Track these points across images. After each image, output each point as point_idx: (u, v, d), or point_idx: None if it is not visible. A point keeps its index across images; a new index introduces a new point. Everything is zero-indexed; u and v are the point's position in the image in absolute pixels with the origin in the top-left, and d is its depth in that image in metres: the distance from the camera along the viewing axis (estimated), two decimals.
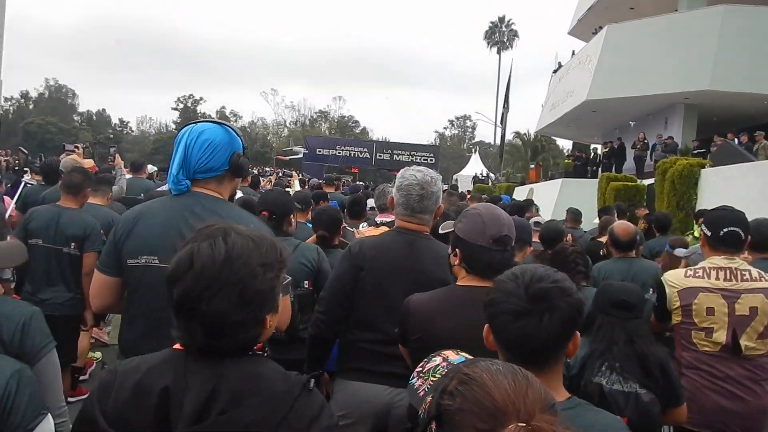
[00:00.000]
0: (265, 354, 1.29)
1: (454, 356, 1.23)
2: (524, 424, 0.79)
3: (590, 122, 24.34)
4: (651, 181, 14.82)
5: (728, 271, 2.70)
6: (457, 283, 2.07)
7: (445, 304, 2.01)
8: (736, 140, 14.41)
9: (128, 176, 7.05)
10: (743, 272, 2.70)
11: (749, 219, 2.92)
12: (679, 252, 4.19)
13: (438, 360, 1.28)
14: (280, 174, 24.65)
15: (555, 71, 28.02)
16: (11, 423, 1.36)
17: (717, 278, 2.70)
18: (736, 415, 2.61)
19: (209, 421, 1.11)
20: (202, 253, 1.18)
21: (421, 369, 1.29)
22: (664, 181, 11.00)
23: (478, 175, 37.15)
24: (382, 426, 2.36)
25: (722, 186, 8.62)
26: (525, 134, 49.33)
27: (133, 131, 79.11)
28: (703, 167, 9.22)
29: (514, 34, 62.31)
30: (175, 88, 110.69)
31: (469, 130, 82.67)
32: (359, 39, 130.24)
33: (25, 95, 71.04)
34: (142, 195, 6.26)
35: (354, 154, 40.18)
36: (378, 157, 40.05)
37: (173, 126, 73.29)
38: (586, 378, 2.25)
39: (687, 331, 2.72)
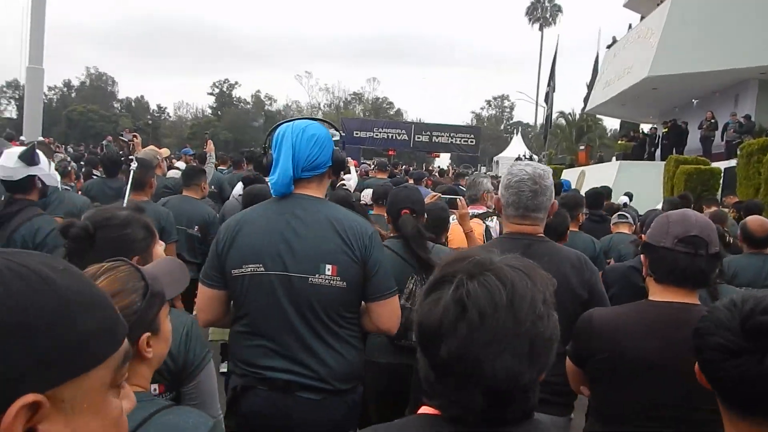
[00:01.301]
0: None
1: None
2: None
3: (648, 101, 22.97)
4: (726, 163, 13.63)
5: None
6: (649, 298, 1.87)
7: (638, 320, 1.82)
8: None
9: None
10: None
11: None
12: None
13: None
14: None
15: (609, 46, 26.56)
16: (189, 360, 1.57)
17: None
18: None
19: None
20: (476, 297, 0.93)
21: None
22: (749, 164, 9.84)
23: (521, 156, 35.98)
24: None
25: None
26: (570, 114, 47.59)
27: (170, 117, 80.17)
28: None
29: (558, 9, 60.10)
30: (211, 74, 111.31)
31: (507, 110, 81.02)
32: (393, 19, 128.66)
33: (67, 84, 71.98)
34: (212, 187, 6.42)
35: (392, 136, 39.26)
36: (417, 139, 39.02)
37: (209, 111, 74.18)
38: None
39: None
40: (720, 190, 12.86)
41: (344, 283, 2.00)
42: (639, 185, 13.41)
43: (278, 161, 2.05)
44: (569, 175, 21.52)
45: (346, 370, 2.01)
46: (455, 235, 3.74)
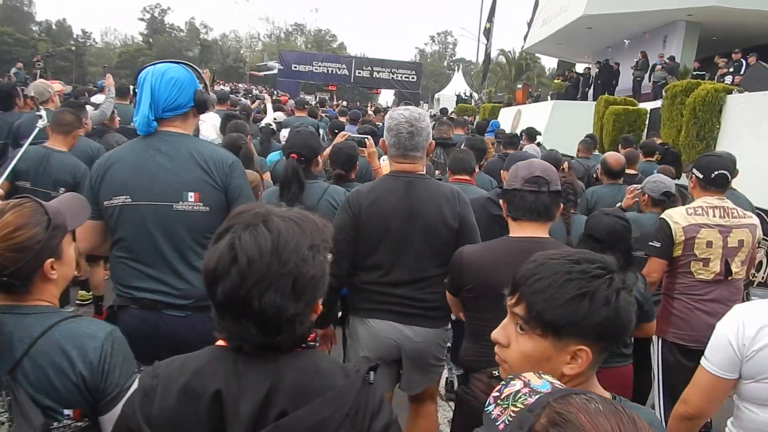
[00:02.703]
0: (316, 344, 1.21)
1: (537, 381, 1.04)
2: None
3: (583, 40, 23.14)
4: (651, 104, 14.02)
5: (722, 210, 3.12)
6: (509, 235, 2.15)
7: (500, 254, 2.09)
8: (743, 61, 13.46)
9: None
10: (731, 210, 3.13)
11: None
12: (638, 187, 4.22)
13: (518, 385, 1.11)
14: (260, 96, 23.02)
15: None
16: (110, 382, 1.43)
17: (714, 215, 3.10)
18: None
19: (269, 427, 1.03)
20: (245, 245, 1.06)
21: (498, 395, 1.11)
22: (672, 106, 10.15)
23: (461, 94, 35.92)
24: (396, 358, 2.62)
25: (755, 116, 7.68)
26: (510, 52, 47.57)
27: (96, 43, 75.86)
28: (730, 93, 8.26)
29: None
30: None
31: (450, 46, 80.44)
32: None
33: None
34: (131, 123, 5.75)
35: (332, 71, 38.38)
36: (357, 74, 38.32)
37: (140, 38, 70.25)
38: None
39: (687, 262, 3.12)
40: (645, 130, 13.22)
41: (207, 208, 2.21)
42: (572, 125, 13.66)
43: (140, 103, 2.23)
44: (507, 113, 21.67)
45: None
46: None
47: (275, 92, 30.06)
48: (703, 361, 1.77)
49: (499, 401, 1.16)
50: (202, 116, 2.79)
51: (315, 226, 1.15)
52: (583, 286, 1.09)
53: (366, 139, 3.98)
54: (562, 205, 2.25)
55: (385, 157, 4.58)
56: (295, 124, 5.53)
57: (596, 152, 7.45)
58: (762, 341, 1.62)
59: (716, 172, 3.12)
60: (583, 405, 0.76)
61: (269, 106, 9.25)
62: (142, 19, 72.39)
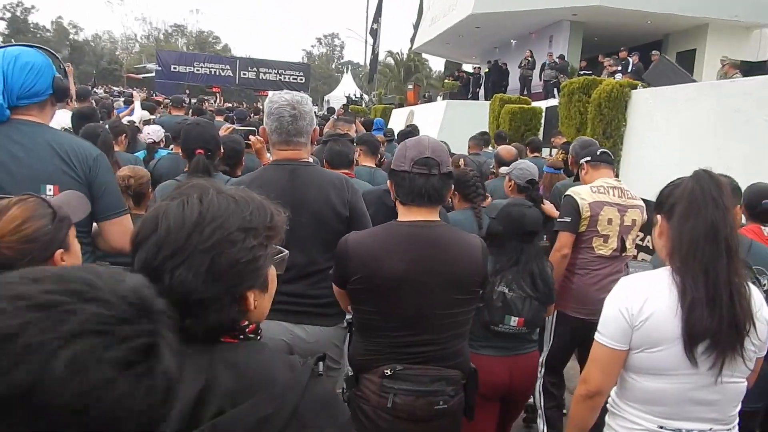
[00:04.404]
0: (259, 338, 1.10)
1: None
2: None
3: (471, 40, 23.34)
4: (545, 103, 13.99)
5: (619, 190, 3.35)
6: (397, 219, 2.03)
7: (387, 241, 1.97)
8: (630, 59, 13.74)
9: None
10: (625, 191, 3.38)
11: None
12: (503, 169, 4.43)
13: None
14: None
15: None
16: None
17: (613, 195, 3.32)
18: None
19: (204, 426, 0.91)
20: (169, 213, 0.99)
21: None
22: (570, 104, 9.88)
23: (351, 96, 35.37)
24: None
25: (661, 111, 7.39)
26: (398, 53, 47.71)
27: None
28: (635, 88, 7.92)
29: None
30: None
31: (338, 49, 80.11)
32: None
33: None
34: None
35: (215, 72, 36.53)
36: (242, 75, 36.74)
37: (0, 39, 63.98)
38: (489, 288, 2.56)
39: (589, 237, 3.29)
40: (542, 129, 13.14)
41: None
42: (465, 124, 13.34)
43: None
44: (399, 114, 21.31)
45: None
46: None
47: (153, 94, 27.93)
48: (597, 336, 1.77)
49: None
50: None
51: (260, 209, 1.06)
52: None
53: (251, 133, 3.71)
54: (452, 188, 2.18)
55: None
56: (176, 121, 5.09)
57: (488, 149, 7.39)
58: (647, 312, 1.65)
59: (600, 150, 3.57)
60: None
61: (137, 104, 8.07)
62: (1, 18, 66.64)
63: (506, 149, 5.31)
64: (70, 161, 2.06)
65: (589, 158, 3.49)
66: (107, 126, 4.46)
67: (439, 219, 2.03)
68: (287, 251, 1.15)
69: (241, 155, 3.54)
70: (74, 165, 2.06)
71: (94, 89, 28.51)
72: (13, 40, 65.75)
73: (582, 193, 3.29)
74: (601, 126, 7.95)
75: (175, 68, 35.82)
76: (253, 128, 3.91)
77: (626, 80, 8.47)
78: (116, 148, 4.24)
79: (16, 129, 2.03)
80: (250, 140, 3.59)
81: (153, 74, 37.92)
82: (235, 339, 1.04)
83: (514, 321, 2.58)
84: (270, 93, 2.41)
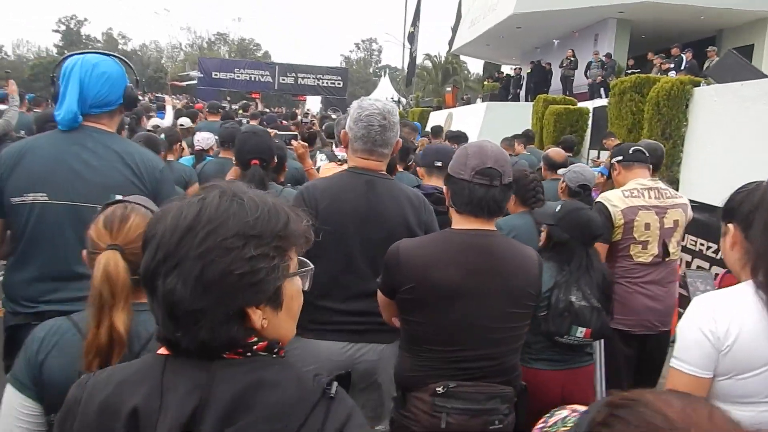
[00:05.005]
0: (275, 355, 0.96)
1: (583, 408, 0.87)
2: None
3: (511, 40, 22.82)
4: (591, 103, 13.46)
5: (656, 191, 3.13)
6: (452, 227, 1.96)
7: (442, 249, 1.89)
8: (683, 56, 13.07)
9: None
10: (663, 190, 3.16)
11: None
12: (560, 171, 4.26)
13: (565, 412, 1.05)
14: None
15: None
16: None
17: (649, 197, 3.10)
18: (657, 312, 3.08)
19: None
20: (168, 214, 0.92)
21: (544, 424, 1.03)
22: (621, 103, 9.39)
23: (389, 99, 35.18)
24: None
25: (729, 109, 6.80)
26: (435, 56, 47.33)
27: (8, 56, 71.75)
28: (697, 85, 7.32)
29: None
30: (57, 8, 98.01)
31: (376, 53, 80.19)
32: None
33: None
34: (22, 132, 5.81)
35: (255, 78, 37.10)
36: (281, 81, 37.13)
37: (54, 50, 66.99)
38: (556, 296, 2.46)
39: (626, 245, 3.08)
40: (589, 130, 12.64)
41: None
42: (507, 126, 12.94)
43: (65, 95, 2.05)
44: (437, 117, 21.01)
45: None
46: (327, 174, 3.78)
47: (195, 101, 28.43)
48: (675, 363, 1.56)
49: (545, 429, 1.09)
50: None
51: (271, 214, 0.93)
52: None
53: (293, 139, 3.64)
54: (513, 197, 2.09)
55: (321, 157, 4.39)
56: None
57: (525, 151, 7.29)
58: (734, 333, 1.46)
59: (633, 148, 3.25)
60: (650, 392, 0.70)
61: (169, 110, 7.94)
62: (57, 31, 69.49)
63: (556, 151, 5.09)
64: (139, 172, 2.08)
65: (621, 157, 3.25)
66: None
67: (495, 228, 1.95)
68: (312, 265, 1.02)
69: (284, 161, 3.46)
70: (143, 176, 2.09)
71: (144, 97, 29.15)
72: (66, 51, 68.52)
73: (613, 199, 3.08)
74: (659, 126, 7.45)
75: (216, 75, 36.49)
76: (295, 133, 3.81)
77: (687, 77, 7.92)
78: (170, 157, 4.28)
79: (89, 137, 2.07)
80: (292, 145, 3.48)
81: (195, 81, 38.66)
82: (239, 356, 0.93)
83: (581, 332, 2.44)
84: (359, 99, 2.40)
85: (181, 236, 0.88)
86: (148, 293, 0.92)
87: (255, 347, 0.94)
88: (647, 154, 3.26)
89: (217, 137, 5.25)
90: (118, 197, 1.89)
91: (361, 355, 2.22)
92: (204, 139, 5.27)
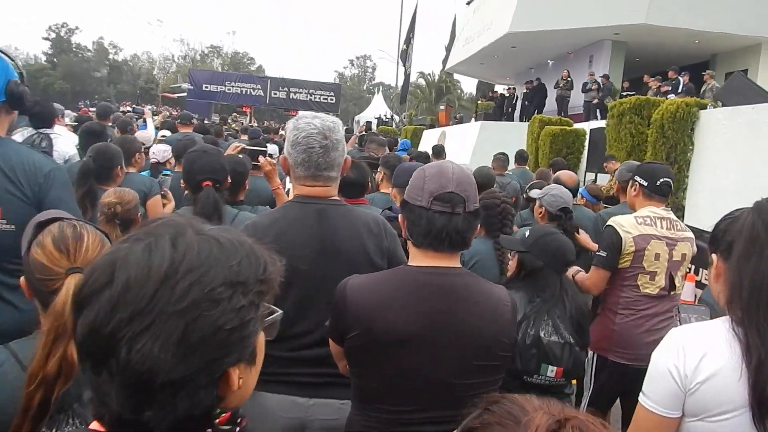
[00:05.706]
0: (239, 429, 0.84)
1: None
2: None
3: (506, 60, 22.74)
4: (588, 125, 13.22)
5: (668, 221, 3.03)
6: (407, 263, 1.70)
7: (395, 289, 1.61)
8: (680, 79, 12.89)
9: None
10: (674, 222, 3.07)
11: None
12: (534, 193, 3.97)
13: None
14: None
15: (468, 2, 25.94)
16: None
17: (661, 227, 2.99)
18: (656, 346, 2.70)
19: None
20: (130, 261, 0.75)
21: None
22: (620, 125, 9.10)
23: (381, 117, 35.11)
24: None
25: (739, 133, 6.52)
26: (429, 74, 47.38)
27: None
28: (704, 108, 7.08)
29: None
30: (47, 15, 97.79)
31: (370, 70, 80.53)
32: None
33: None
34: None
35: (246, 91, 37.09)
36: (273, 95, 37.17)
37: (43, 58, 66.41)
38: (524, 330, 2.23)
39: (634, 274, 2.96)
40: (585, 151, 12.36)
41: (12, 227, 1.87)
42: (501, 145, 12.67)
43: None
44: (430, 135, 20.80)
45: (20, 325, 1.55)
46: None
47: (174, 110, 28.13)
48: (641, 398, 1.44)
49: None
50: (57, 129, 2.61)
51: (251, 257, 0.82)
52: None
53: (260, 156, 3.18)
54: (478, 227, 1.72)
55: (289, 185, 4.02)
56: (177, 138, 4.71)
57: (508, 171, 7.16)
58: (705, 372, 1.34)
59: (661, 180, 3.07)
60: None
61: (149, 121, 7.59)
62: (46, 38, 68.72)
63: (568, 174, 4.81)
64: (16, 179, 1.88)
65: (646, 183, 3.08)
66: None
67: (460, 266, 1.67)
68: (280, 311, 0.89)
69: (244, 178, 3.19)
70: (21, 183, 1.89)
71: (137, 107, 28.61)
72: (56, 59, 68.42)
73: (626, 225, 2.96)
74: (664, 150, 7.13)
75: (206, 87, 36.35)
76: (264, 149, 3.52)
77: (693, 99, 7.63)
78: (130, 169, 3.85)
79: None
80: (259, 162, 3.14)
81: (185, 93, 38.43)
82: None
83: (551, 371, 2.21)
84: (294, 118, 2.10)
85: (156, 288, 0.73)
86: (92, 364, 0.73)
87: (217, 421, 0.81)
88: (672, 189, 3.16)
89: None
90: (51, 214, 1.57)
91: (316, 412, 1.95)
92: (160, 151, 4.89)
